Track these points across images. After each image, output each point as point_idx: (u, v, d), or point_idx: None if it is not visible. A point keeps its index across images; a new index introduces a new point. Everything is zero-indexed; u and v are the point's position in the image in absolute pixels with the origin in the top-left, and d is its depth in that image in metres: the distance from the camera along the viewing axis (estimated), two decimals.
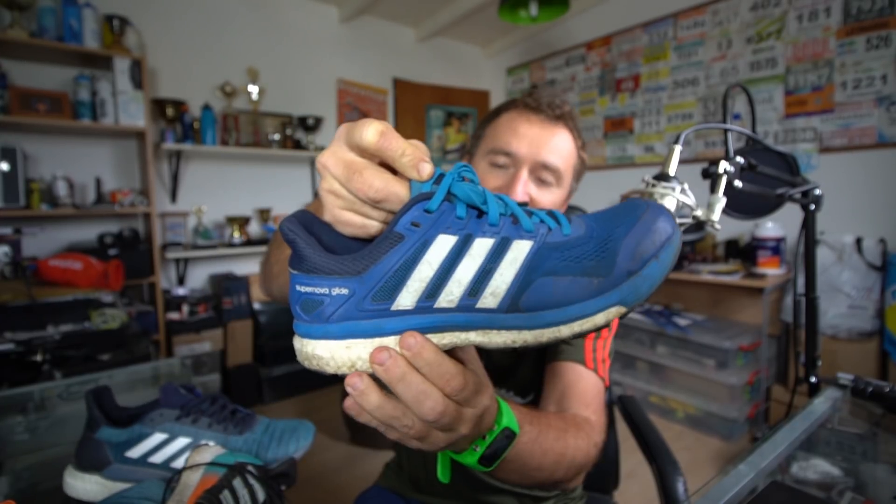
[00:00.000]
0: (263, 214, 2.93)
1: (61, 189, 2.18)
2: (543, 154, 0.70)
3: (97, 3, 2.27)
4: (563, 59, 3.47)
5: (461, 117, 3.96)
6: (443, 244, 0.30)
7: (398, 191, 0.31)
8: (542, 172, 0.70)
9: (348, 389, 0.31)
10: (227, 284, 2.59)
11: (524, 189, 0.69)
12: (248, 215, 2.81)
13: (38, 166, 2.28)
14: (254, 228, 2.94)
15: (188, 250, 2.55)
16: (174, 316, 2.46)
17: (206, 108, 2.59)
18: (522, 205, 0.34)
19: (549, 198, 0.72)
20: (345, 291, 0.30)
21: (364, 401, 0.31)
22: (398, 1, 3.18)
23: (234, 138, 2.71)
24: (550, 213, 0.34)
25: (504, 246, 0.31)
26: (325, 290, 0.30)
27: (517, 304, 0.31)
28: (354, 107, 3.40)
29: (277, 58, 3.00)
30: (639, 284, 0.32)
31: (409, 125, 3.72)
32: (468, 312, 0.31)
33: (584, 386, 0.66)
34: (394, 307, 0.30)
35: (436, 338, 0.32)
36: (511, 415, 0.42)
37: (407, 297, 0.30)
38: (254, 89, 2.82)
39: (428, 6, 3.28)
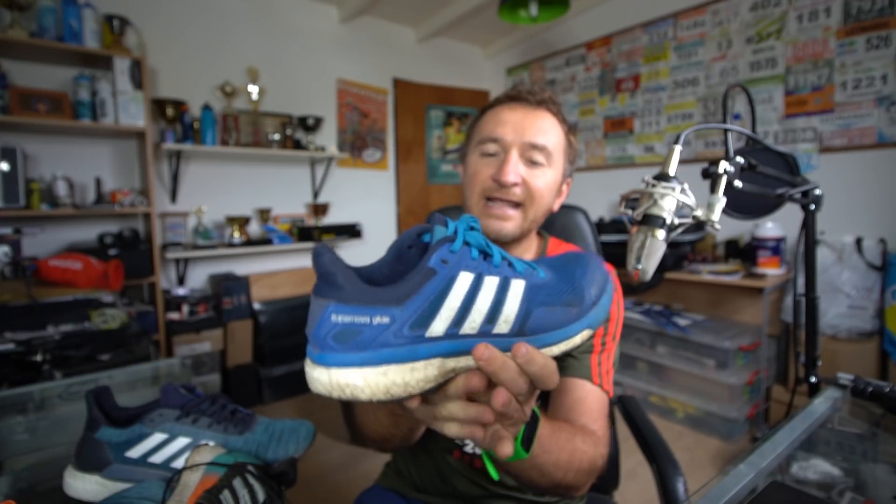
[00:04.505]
0: (263, 214, 2.93)
1: (61, 189, 2.18)
2: (529, 135, 0.70)
3: (97, 3, 2.27)
4: (563, 59, 3.47)
5: (461, 117, 3.96)
6: (465, 279, 0.35)
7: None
8: (531, 153, 0.71)
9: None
10: (227, 284, 2.58)
11: (514, 170, 0.69)
12: (248, 215, 2.81)
13: (38, 166, 2.28)
14: (254, 228, 2.94)
15: (188, 250, 2.55)
16: (174, 316, 2.46)
17: (206, 108, 2.59)
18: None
19: (541, 179, 0.72)
20: (385, 320, 0.33)
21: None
22: (398, 1, 3.18)
23: (234, 138, 2.71)
24: (528, 264, 0.42)
25: (506, 283, 0.37)
26: (365, 320, 0.33)
27: (524, 329, 0.37)
28: (354, 107, 3.40)
29: (277, 58, 3.00)
30: (598, 312, 0.41)
31: (409, 125, 3.72)
32: (485, 337, 0.36)
33: (592, 402, 0.67)
34: (427, 334, 0.34)
35: (458, 361, 0.36)
36: None
37: (439, 325, 0.34)
38: (254, 89, 2.82)
39: (428, 6, 3.28)
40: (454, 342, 0.35)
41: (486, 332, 0.36)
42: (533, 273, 0.40)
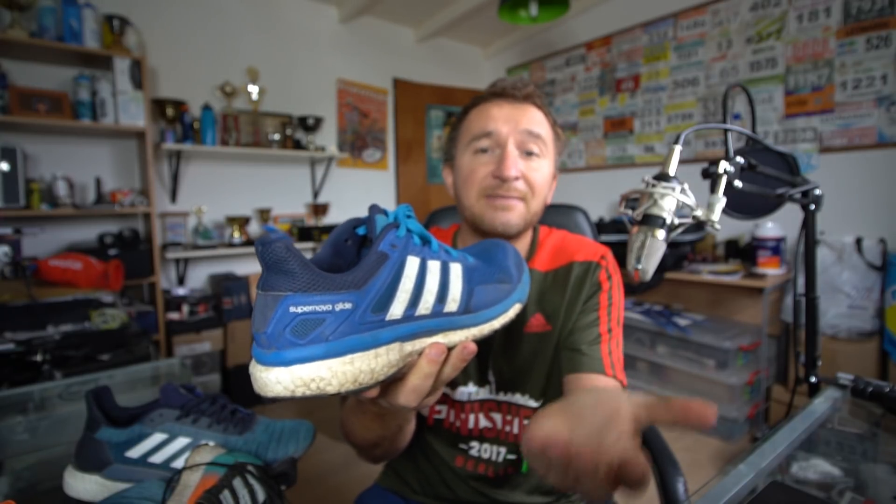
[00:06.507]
0: (263, 214, 2.93)
1: (61, 189, 2.18)
2: (524, 124, 0.69)
3: (97, 3, 2.27)
4: (563, 59, 3.47)
5: None
6: (413, 263, 0.37)
7: None
8: (527, 144, 0.69)
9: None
10: (227, 284, 2.58)
11: (514, 164, 0.67)
12: (248, 215, 2.81)
13: (38, 166, 2.28)
14: (254, 228, 2.94)
15: (188, 250, 2.55)
16: (174, 316, 2.46)
17: (206, 108, 2.59)
18: None
19: (538, 171, 0.70)
20: (348, 306, 0.32)
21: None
22: (398, 1, 3.18)
23: (234, 138, 2.71)
24: (458, 251, 0.44)
25: (446, 266, 0.40)
26: (327, 307, 0.31)
27: (469, 307, 0.40)
28: (354, 107, 3.40)
29: (277, 58, 3.00)
30: (525, 287, 0.46)
31: (409, 125, 3.72)
32: (438, 317, 0.38)
33: None
34: (388, 317, 0.34)
35: (414, 344, 0.37)
36: None
37: (398, 307, 0.35)
38: (254, 89, 2.82)
39: (428, 6, 3.28)
40: (411, 324, 0.36)
41: (438, 312, 0.38)
42: (464, 258, 0.43)
